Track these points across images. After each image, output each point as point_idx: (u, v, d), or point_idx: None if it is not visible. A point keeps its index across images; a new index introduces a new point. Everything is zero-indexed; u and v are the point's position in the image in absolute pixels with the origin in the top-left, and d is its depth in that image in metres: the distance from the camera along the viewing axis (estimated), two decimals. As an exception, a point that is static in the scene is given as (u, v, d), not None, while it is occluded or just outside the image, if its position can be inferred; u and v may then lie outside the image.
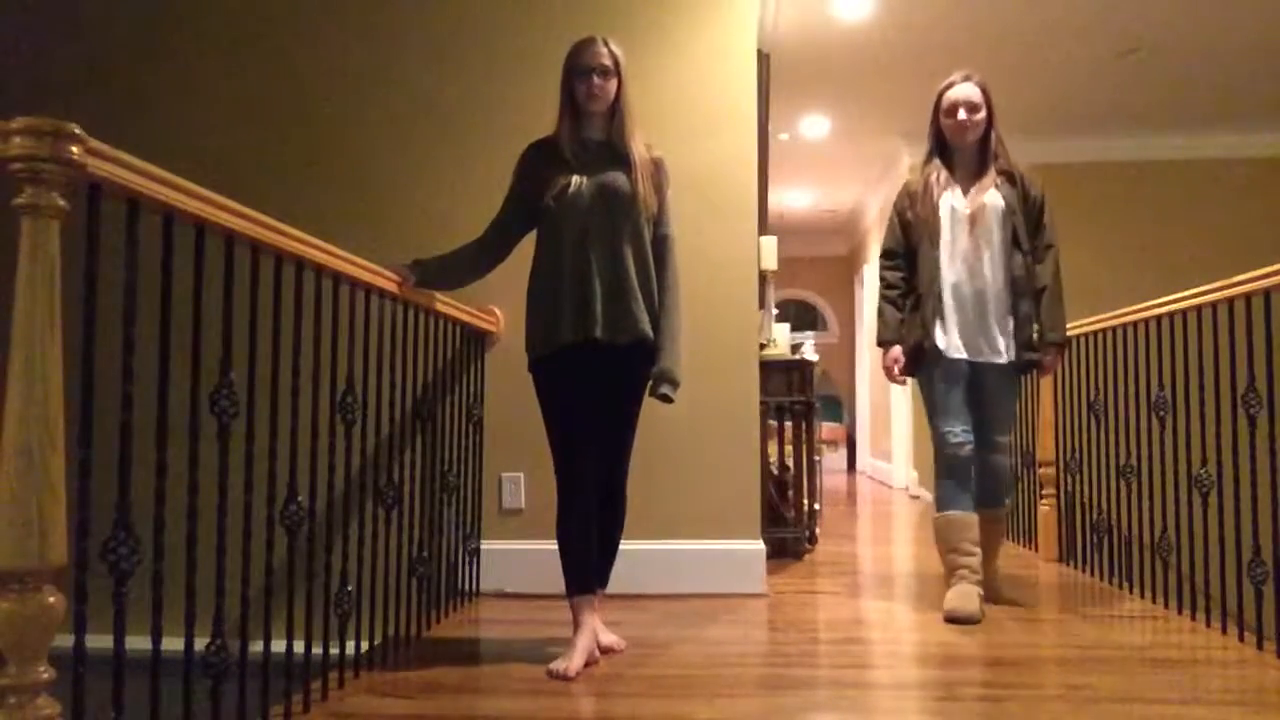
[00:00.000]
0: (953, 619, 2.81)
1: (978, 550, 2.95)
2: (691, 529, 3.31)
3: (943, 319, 2.97)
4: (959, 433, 2.94)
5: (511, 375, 2.99)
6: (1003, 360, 2.97)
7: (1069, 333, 3.31)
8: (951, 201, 2.99)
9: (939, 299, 2.97)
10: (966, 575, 2.92)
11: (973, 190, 3.00)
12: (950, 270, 2.97)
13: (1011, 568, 3.81)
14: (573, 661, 2.27)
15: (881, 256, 3.19)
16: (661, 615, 2.96)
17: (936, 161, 3.07)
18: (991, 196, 2.97)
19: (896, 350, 3.08)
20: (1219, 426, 2.77)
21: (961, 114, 2.98)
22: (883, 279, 3.17)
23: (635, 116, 2.51)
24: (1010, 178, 3.01)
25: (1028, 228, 2.99)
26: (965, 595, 2.87)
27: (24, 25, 3.66)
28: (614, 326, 2.39)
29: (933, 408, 3.03)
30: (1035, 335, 2.99)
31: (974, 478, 2.99)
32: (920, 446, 7.15)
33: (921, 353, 3.00)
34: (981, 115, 3.00)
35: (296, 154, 3.50)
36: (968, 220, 2.97)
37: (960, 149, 3.05)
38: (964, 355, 2.96)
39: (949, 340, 2.96)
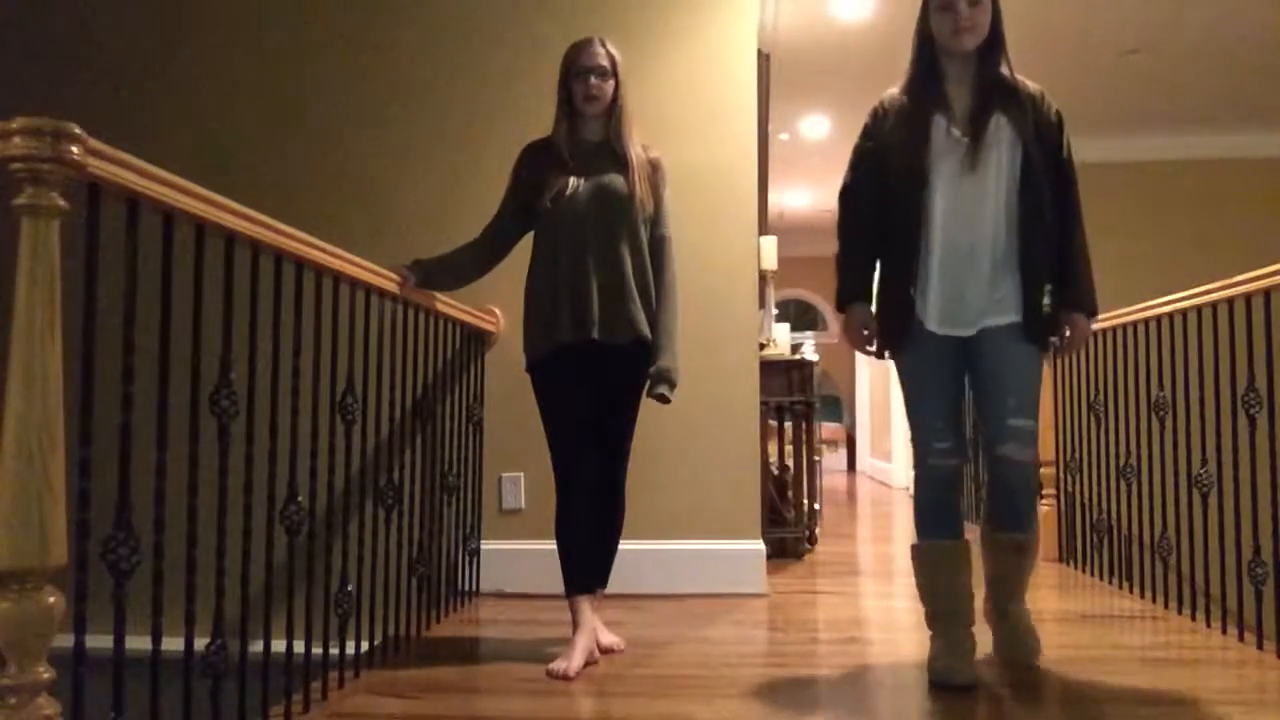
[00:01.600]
0: (942, 684, 2.16)
1: (969, 593, 2.28)
2: (691, 529, 3.31)
3: (926, 281, 2.24)
4: (944, 444, 2.25)
5: (511, 375, 2.98)
6: (1007, 320, 2.22)
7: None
8: (943, 125, 2.26)
9: (922, 254, 2.24)
10: (955, 623, 2.25)
11: (971, 112, 2.26)
12: (939, 215, 2.23)
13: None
14: (573, 661, 2.27)
15: (841, 195, 2.42)
16: (661, 615, 2.95)
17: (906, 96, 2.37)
18: (996, 120, 2.24)
19: (864, 311, 2.35)
20: (1219, 426, 2.76)
21: (962, 7, 2.22)
22: (844, 222, 2.40)
23: (633, 117, 2.51)
24: (1019, 97, 2.29)
25: (1043, 161, 2.26)
26: (955, 650, 2.21)
27: (24, 25, 3.66)
28: (611, 327, 2.39)
29: (911, 407, 2.32)
30: (1054, 300, 2.26)
31: (985, 485, 2.41)
32: (920, 446, 7.14)
33: (898, 328, 2.29)
34: (986, 14, 2.25)
35: (296, 154, 3.50)
36: (964, 150, 2.23)
37: (955, 58, 2.29)
38: (950, 330, 2.24)
39: (928, 310, 2.24)
